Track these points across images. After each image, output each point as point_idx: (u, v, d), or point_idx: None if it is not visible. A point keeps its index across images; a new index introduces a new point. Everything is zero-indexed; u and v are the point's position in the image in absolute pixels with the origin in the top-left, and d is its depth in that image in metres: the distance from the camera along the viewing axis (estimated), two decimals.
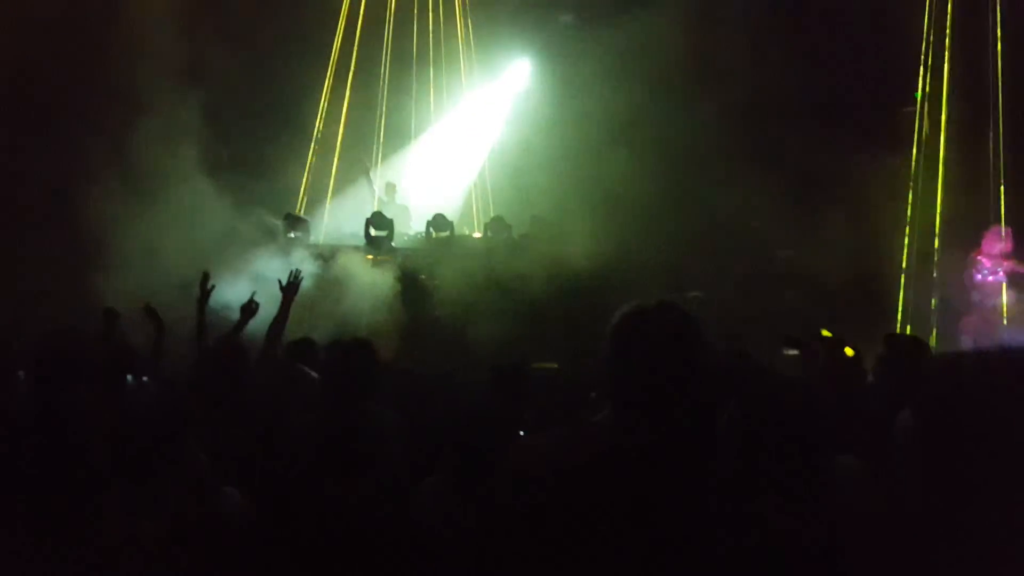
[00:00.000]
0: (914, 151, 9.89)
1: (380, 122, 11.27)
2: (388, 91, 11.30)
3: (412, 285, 8.14)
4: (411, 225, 10.46)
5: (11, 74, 8.77)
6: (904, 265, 9.78)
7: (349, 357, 3.64)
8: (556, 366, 7.60)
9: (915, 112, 10.06)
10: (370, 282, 8.10)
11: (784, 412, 2.17)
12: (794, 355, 8.47)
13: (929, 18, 9.96)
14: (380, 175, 11.10)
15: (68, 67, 9.16)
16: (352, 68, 11.05)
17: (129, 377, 3.59)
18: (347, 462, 3.10)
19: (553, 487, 1.89)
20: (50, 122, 9.12)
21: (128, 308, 5.44)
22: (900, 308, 9.65)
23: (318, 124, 10.90)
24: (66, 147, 8.64)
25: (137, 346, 4.41)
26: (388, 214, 9.76)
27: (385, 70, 11.18)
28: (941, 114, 9.96)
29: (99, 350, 3.75)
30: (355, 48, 11.10)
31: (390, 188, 10.95)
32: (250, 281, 6.48)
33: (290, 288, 4.82)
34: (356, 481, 2.86)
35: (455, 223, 9.99)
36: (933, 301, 9.57)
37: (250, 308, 4.84)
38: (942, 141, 9.82)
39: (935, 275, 9.64)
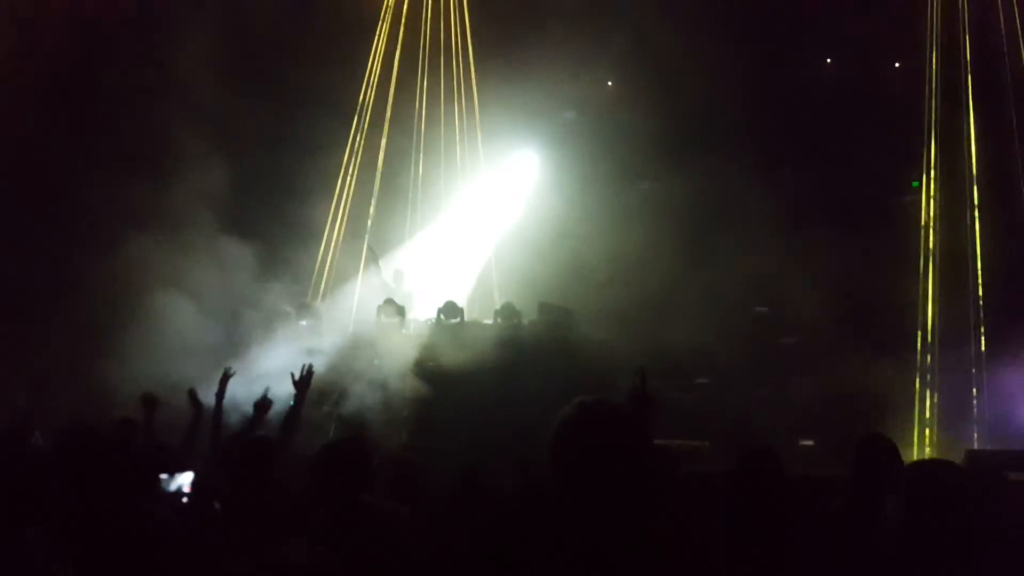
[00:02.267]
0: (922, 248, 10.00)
1: (410, 209, 11.50)
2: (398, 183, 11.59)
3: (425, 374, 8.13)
4: (412, 309, 10.53)
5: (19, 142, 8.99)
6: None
7: (340, 454, 3.64)
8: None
9: (914, 201, 10.29)
10: (382, 368, 8.13)
11: None
12: (810, 445, 8.47)
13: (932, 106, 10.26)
14: (388, 262, 11.27)
15: (78, 136, 9.43)
16: (356, 162, 11.35)
17: (163, 476, 3.58)
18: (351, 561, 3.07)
19: None
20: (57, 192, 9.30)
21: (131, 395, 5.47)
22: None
23: (339, 212, 11.11)
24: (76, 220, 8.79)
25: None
26: (397, 301, 9.87)
27: (379, 160, 11.47)
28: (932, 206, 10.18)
29: (132, 445, 3.76)
30: (360, 138, 11.42)
31: (398, 275, 11.10)
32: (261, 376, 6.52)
33: (303, 382, 4.83)
34: None
35: (464, 309, 10.08)
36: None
37: (264, 405, 4.84)
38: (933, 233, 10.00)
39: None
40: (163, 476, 3.45)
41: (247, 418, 4.89)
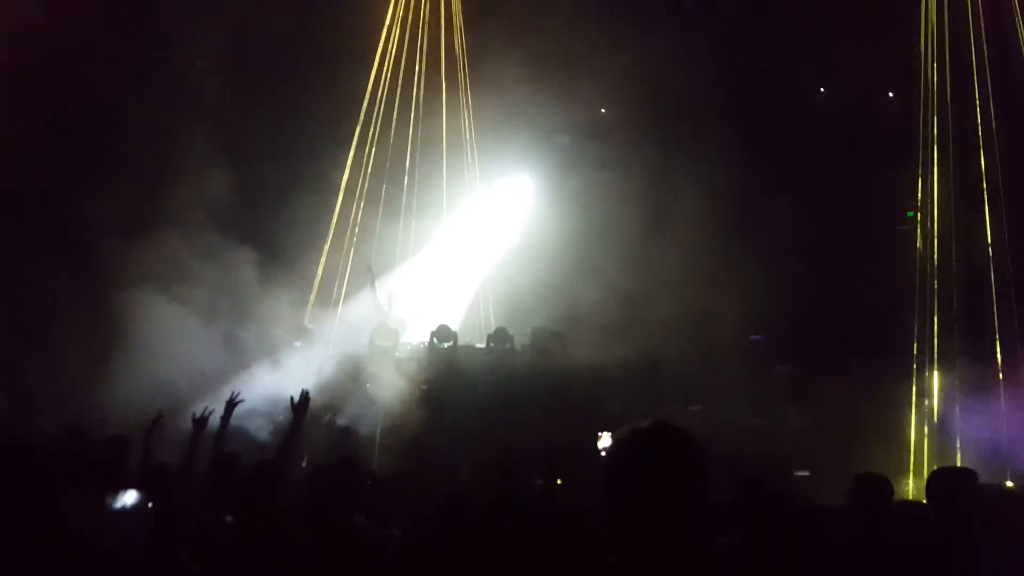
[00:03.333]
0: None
1: (402, 231, 11.52)
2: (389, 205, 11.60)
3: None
4: (406, 332, 10.50)
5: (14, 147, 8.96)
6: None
7: (332, 477, 3.65)
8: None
9: (910, 231, 10.33)
10: (378, 392, 8.09)
11: None
12: (805, 475, 8.42)
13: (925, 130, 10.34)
14: (382, 284, 11.24)
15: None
16: (363, 185, 11.37)
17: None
18: None
19: None
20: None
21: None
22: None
23: (339, 232, 11.09)
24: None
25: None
26: (391, 324, 9.84)
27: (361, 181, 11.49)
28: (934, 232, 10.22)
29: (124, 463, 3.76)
30: (368, 159, 11.45)
31: (392, 298, 11.07)
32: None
33: (301, 406, 4.84)
34: None
35: (457, 333, 10.05)
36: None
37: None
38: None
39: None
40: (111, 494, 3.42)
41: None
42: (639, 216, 10.78)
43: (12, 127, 8.49)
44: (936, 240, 10.14)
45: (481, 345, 10.07)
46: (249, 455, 4.82)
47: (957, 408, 9.09)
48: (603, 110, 11.86)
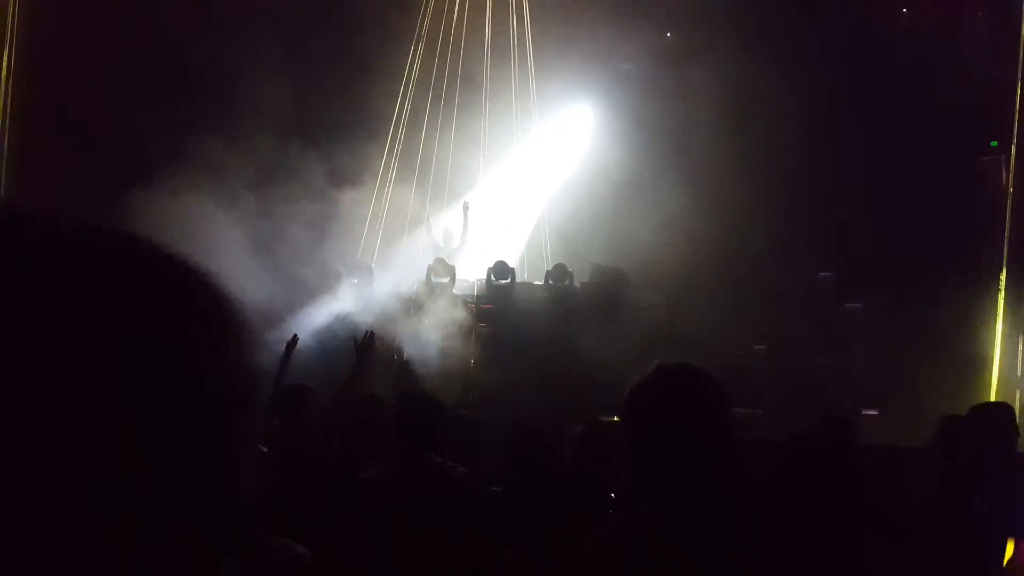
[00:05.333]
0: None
1: (448, 166, 11.36)
2: (455, 136, 11.41)
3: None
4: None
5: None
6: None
7: (417, 411, 3.61)
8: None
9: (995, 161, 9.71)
10: (437, 328, 8.06)
11: None
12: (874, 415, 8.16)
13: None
14: (439, 223, 11.14)
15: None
16: (404, 118, 11.20)
17: None
18: (424, 524, 2.98)
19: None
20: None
21: None
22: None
23: (391, 166, 11.01)
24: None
25: None
26: (448, 261, 9.76)
27: (420, 115, 11.29)
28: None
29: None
30: (407, 95, 11.24)
31: (448, 236, 10.97)
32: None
33: (366, 346, 4.88)
34: (438, 545, 2.75)
35: (515, 270, 9.93)
36: None
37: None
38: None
39: None
40: None
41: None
42: (706, 148, 10.37)
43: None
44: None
45: (539, 282, 9.93)
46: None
47: None
48: (668, 34, 11.36)
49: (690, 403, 1.76)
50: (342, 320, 7.71)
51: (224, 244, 7.66)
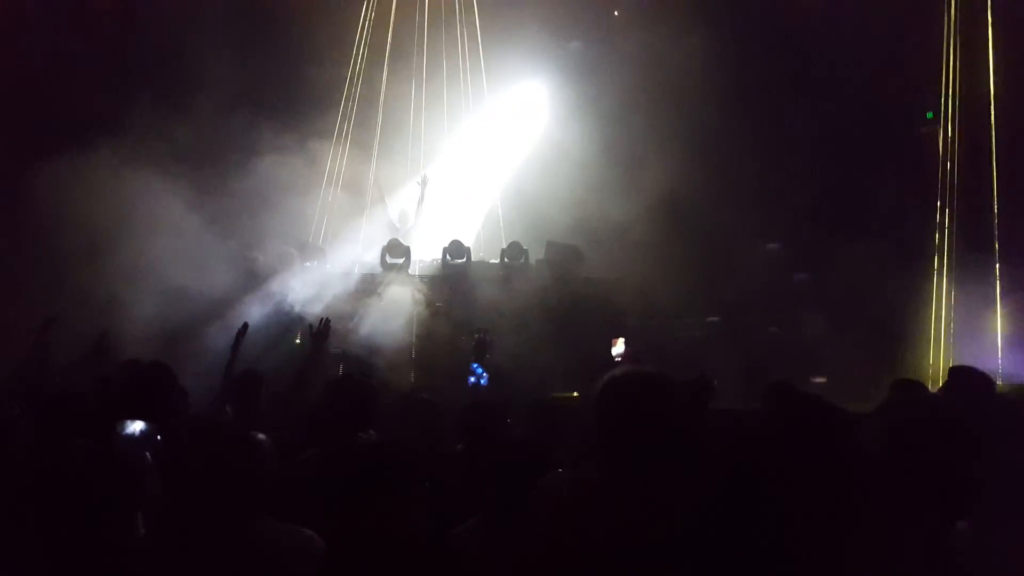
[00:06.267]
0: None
1: (411, 145, 11.28)
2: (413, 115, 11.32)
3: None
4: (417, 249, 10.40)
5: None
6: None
7: (345, 392, 3.67)
8: (576, 395, 7.51)
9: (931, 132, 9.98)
10: (389, 309, 8.05)
11: None
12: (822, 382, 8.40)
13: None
14: (394, 203, 11.08)
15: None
16: (355, 94, 11.07)
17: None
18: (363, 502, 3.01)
19: (563, 535, 2.26)
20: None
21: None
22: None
23: (341, 150, 10.88)
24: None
25: None
26: (402, 241, 9.73)
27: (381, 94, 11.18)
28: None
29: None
30: (357, 72, 11.12)
31: (404, 216, 10.92)
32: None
33: (320, 335, 4.87)
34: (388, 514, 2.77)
35: (471, 249, 9.94)
36: None
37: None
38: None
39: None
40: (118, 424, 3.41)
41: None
42: (652, 123, 10.46)
43: None
44: (956, 141, 9.80)
45: (495, 261, 9.96)
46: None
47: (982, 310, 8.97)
48: (616, 13, 11.39)
49: (655, 398, 2.29)
50: (294, 305, 7.66)
51: (169, 226, 7.54)
